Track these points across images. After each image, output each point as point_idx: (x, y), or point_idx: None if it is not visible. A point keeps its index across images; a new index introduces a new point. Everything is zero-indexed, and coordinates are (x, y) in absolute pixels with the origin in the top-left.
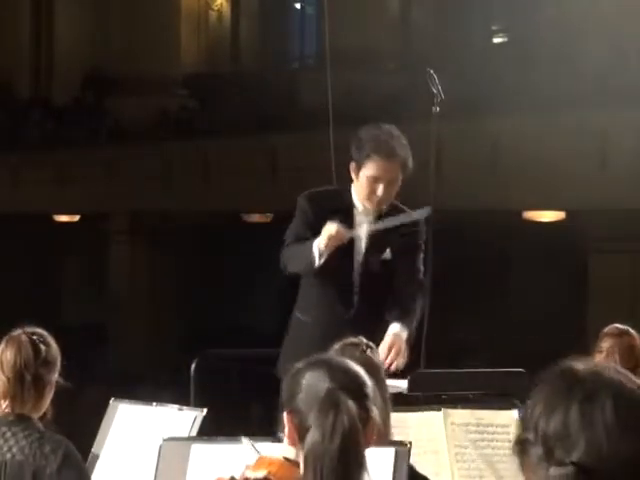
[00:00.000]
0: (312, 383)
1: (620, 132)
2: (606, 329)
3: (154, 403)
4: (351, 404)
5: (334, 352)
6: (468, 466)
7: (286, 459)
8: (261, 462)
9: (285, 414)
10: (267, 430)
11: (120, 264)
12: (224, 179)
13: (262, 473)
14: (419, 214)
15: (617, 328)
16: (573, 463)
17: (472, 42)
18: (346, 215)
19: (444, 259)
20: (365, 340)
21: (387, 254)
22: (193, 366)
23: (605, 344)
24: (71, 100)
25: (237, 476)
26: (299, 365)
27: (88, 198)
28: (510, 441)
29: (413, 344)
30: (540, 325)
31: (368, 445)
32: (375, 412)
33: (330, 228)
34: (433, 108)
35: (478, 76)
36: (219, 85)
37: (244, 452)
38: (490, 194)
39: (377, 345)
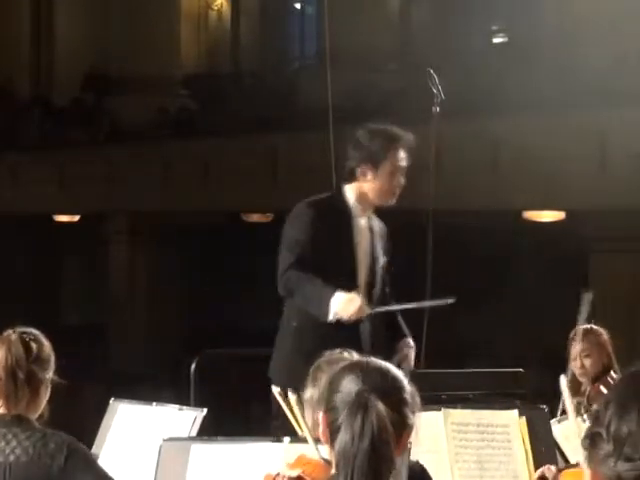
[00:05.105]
0: (347, 385)
1: (620, 132)
2: (572, 334)
3: (154, 403)
4: (381, 406)
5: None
6: (468, 466)
7: (324, 459)
8: (299, 461)
9: (321, 414)
10: (267, 430)
11: (120, 264)
12: (224, 179)
13: (296, 472)
14: (441, 302)
15: (583, 330)
16: None
17: (472, 42)
18: (346, 220)
19: (444, 259)
20: (339, 349)
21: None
22: (193, 366)
23: (575, 350)
24: (71, 100)
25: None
26: (339, 367)
27: (88, 198)
28: (510, 441)
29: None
30: (540, 325)
31: (402, 451)
32: (412, 419)
33: (355, 303)
34: (433, 108)
35: (478, 76)
36: (219, 85)
37: (243, 452)
38: (490, 194)
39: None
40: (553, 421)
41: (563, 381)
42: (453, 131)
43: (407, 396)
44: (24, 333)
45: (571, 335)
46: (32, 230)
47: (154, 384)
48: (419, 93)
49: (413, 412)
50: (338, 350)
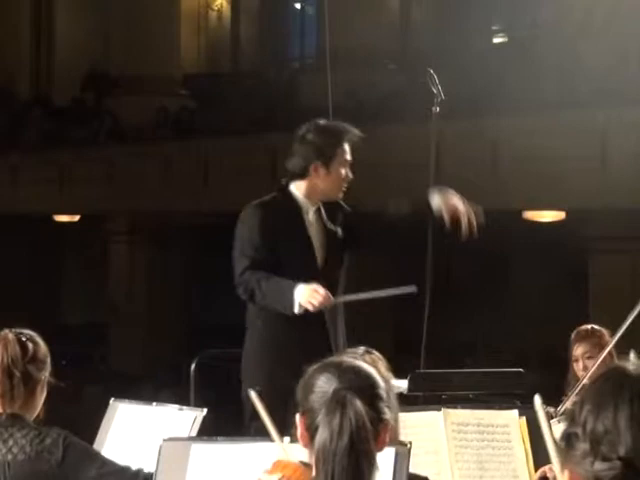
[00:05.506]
0: (322, 385)
1: (620, 132)
2: (573, 335)
3: (154, 403)
4: (359, 403)
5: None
6: (468, 466)
7: (302, 462)
8: (277, 466)
9: (298, 416)
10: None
11: (120, 264)
12: (224, 179)
13: (276, 477)
14: (405, 289)
15: (584, 330)
16: (620, 458)
17: (472, 42)
18: (295, 216)
19: (444, 259)
20: (363, 347)
21: (339, 234)
22: (193, 366)
23: (578, 351)
24: (71, 100)
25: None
26: (312, 368)
27: (88, 198)
28: (510, 441)
29: (412, 342)
30: (540, 325)
31: (381, 447)
32: (388, 414)
33: (319, 291)
34: (433, 108)
35: (478, 76)
36: (219, 85)
37: (243, 452)
38: (490, 194)
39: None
40: (553, 421)
41: (538, 401)
42: (453, 131)
43: (381, 392)
44: (20, 333)
45: (572, 336)
46: (32, 230)
47: (154, 384)
48: (419, 93)
49: (389, 407)
50: (362, 348)
